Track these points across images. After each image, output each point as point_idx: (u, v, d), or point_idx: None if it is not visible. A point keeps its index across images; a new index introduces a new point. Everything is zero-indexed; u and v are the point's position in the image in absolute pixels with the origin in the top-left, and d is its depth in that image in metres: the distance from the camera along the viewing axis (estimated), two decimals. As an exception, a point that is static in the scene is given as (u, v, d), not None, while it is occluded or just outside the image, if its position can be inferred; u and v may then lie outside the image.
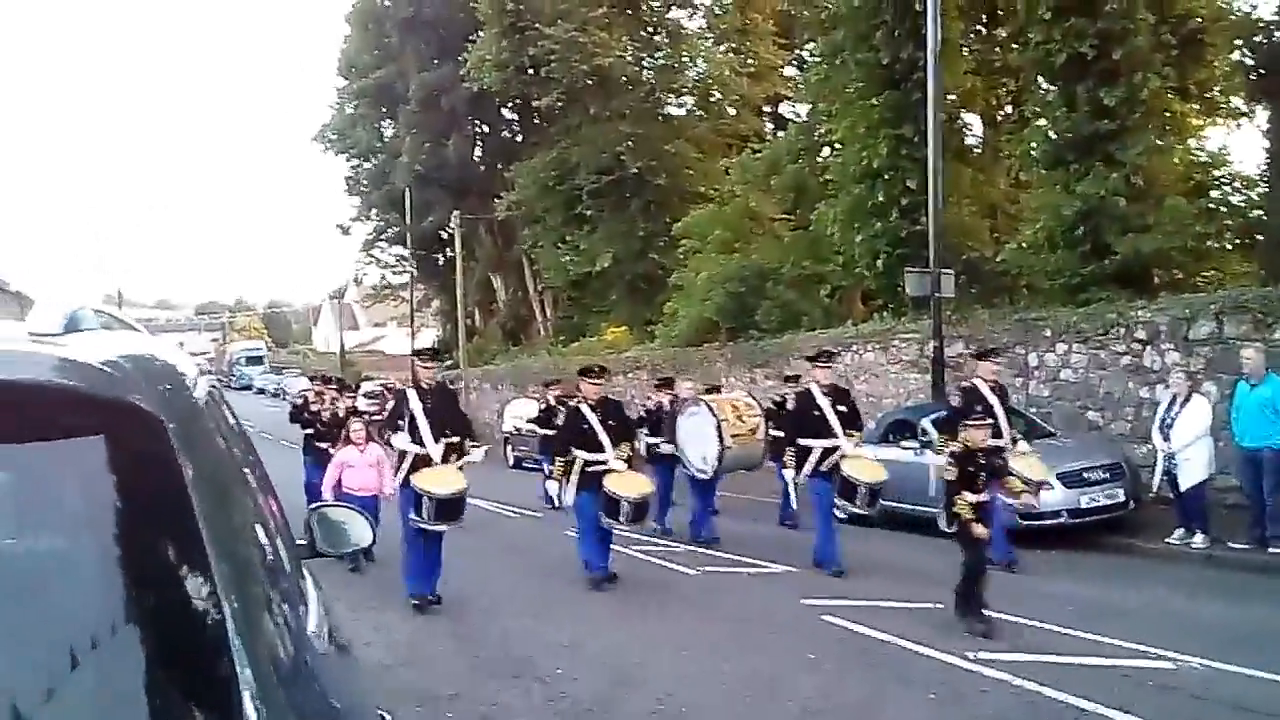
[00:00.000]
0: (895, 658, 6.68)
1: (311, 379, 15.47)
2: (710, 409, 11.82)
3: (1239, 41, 15.17)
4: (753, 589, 9.29)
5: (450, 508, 8.09)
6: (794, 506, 11.31)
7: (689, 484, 12.15)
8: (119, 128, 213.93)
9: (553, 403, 15.05)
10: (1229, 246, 16.09)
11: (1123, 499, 10.84)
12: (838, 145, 21.19)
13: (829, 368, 10.36)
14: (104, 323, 1.80)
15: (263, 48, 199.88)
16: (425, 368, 9.06)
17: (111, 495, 1.25)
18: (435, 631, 7.84)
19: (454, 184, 40.42)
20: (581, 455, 9.22)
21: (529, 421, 18.23)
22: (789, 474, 10.07)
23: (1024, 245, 16.56)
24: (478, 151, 43.57)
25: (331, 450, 11.44)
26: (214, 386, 2.03)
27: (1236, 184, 16.92)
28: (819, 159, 23.53)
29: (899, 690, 5.99)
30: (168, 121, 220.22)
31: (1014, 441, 9.77)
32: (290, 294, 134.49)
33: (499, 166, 39.72)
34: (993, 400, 9.84)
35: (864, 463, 9.84)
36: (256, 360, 64.64)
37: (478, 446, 9.06)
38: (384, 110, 44.47)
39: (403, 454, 8.46)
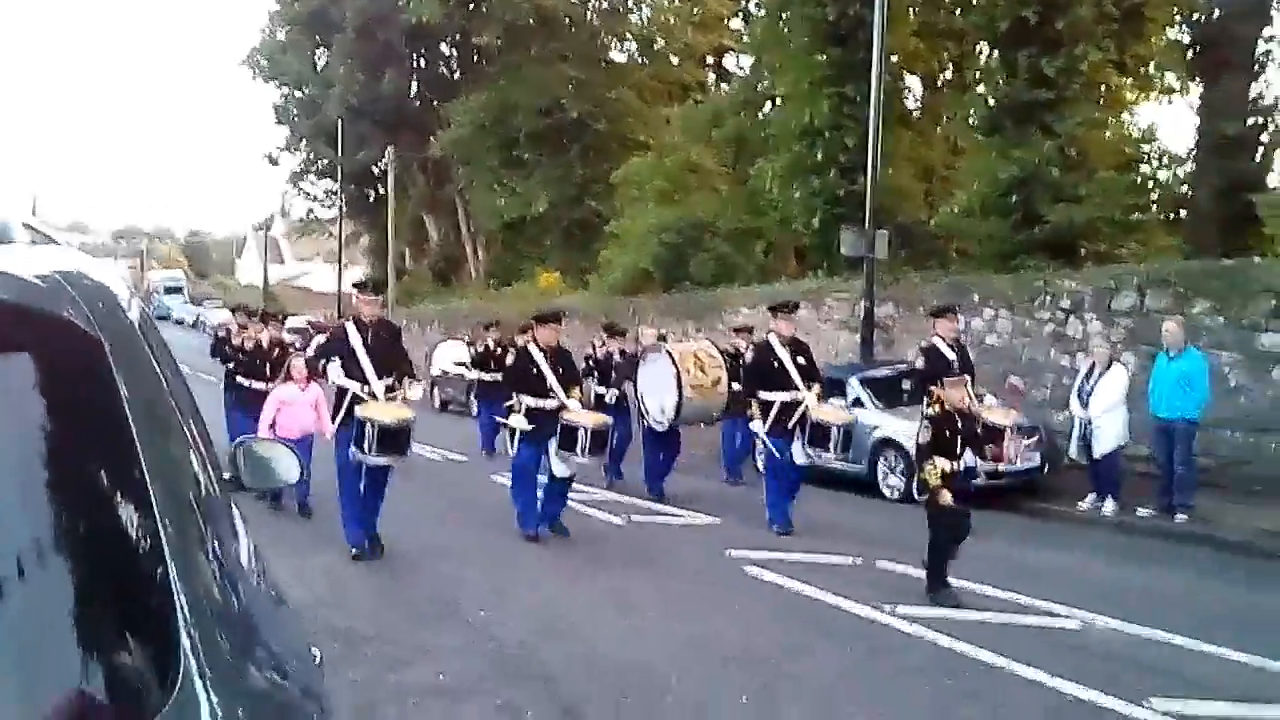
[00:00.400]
0: (818, 611, 6.79)
1: (234, 310, 14.56)
2: (671, 358, 11.35)
3: (1178, 18, 15.43)
4: (680, 540, 9.35)
5: (394, 438, 7.65)
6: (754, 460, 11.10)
7: (644, 435, 11.82)
8: (39, 37, 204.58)
9: (491, 346, 14.81)
10: (1155, 221, 16.49)
11: (1039, 463, 11.12)
12: (780, 101, 21.18)
13: (790, 319, 9.94)
14: (32, 238, 1.69)
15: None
16: (366, 301, 8.36)
17: (43, 415, 1.17)
18: (357, 573, 7.76)
19: (388, 119, 39.44)
20: (528, 401, 8.83)
21: (460, 365, 17.98)
22: (756, 425, 9.62)
23: (957, 210, 16.77)
24: (414, 87, 42.51)
25: (254, 385, 11.00)
26: (144, 309, 1.93)
27: (1165, 160, 17.33)
28: (761, 114, 23.48)
29: (821, 643, 6.10)
30: (88, 34, 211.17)
31: (979, 399, 9.52)
32: (213, 223, 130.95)
33: (435, 103, 38.86)
34: (952, 358, 9.62)
35: (829, 409, 9.66)
36: (176, 290, 62.87)
37: (416, 382, 8.61)
38: (318, 38, 43.01)
39: (341, 391, 8.07)
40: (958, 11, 18.02)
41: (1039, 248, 15.08)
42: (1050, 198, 15.06)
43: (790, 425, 9.33)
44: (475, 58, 37.55)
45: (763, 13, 24.08)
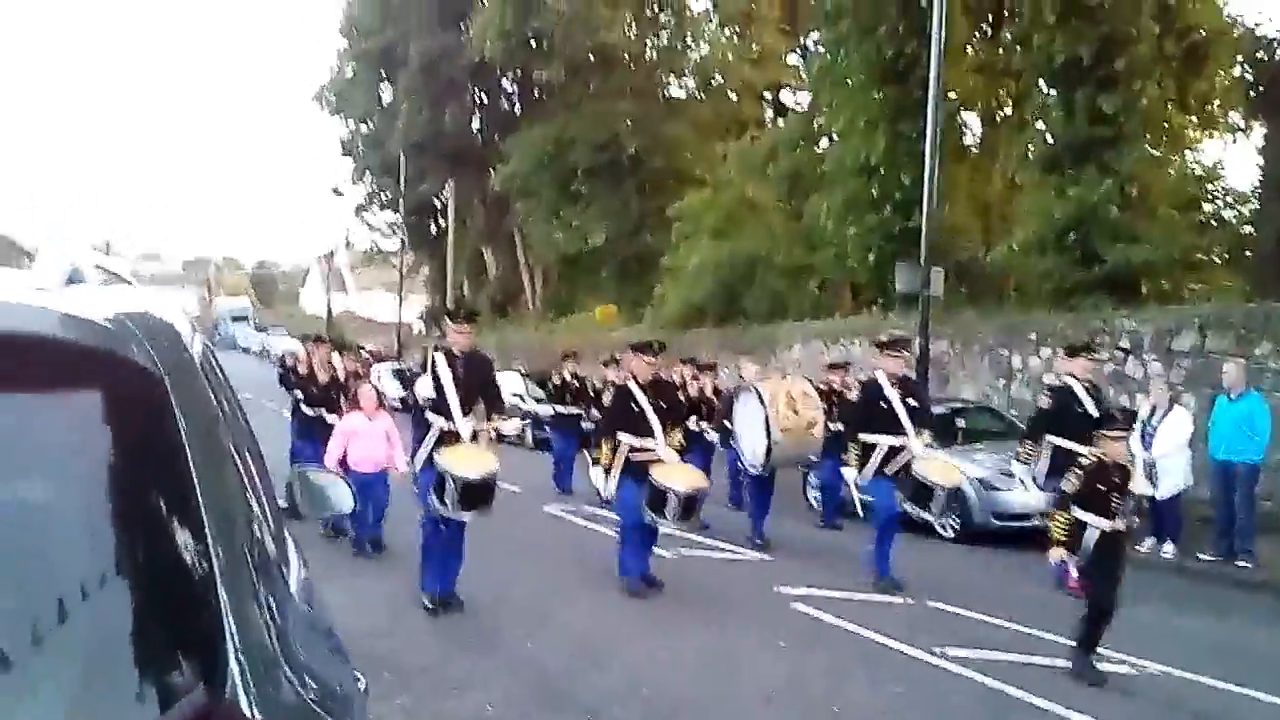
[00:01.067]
0: (863, 649, 6.76)
1: (303, 339, 14.15)
2: (760, 397, 10.44)
3: (1240, 57, 15.25)
4: (726, 574, 9.35)
5: (478, 493, 7.00)
6: (847, 499, 10.06)
7: (745, 479, 11.31)
8: (116, 76, 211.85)
9: (568, 378, 14.59)
10: (1217, 260, 16.21)
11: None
12: (836, 137, 21.22)
13: (899, 357, 9.06)
14: (103, 279, 1.82)
15: (264, 2, 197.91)
16: (459, 331, 7.56)
17: (108, 448, 1.28)
18: (408, 603, 7.88)
19: (450, 152, 40.17)
20: (627, 440, 8.20)
21: (516, 395, 18.07)
22: (849, 473, 8.94)
23: (1015, 247, 16.63)
24: (475, 121, 43.29)
25: (324, 417, 10.61)
26: (207, 344, 2.06)
27: (1229, 199, 17.05)
28: (817, 149, 23.53)
29: (865, 681, 6.07)
30: (164, 72, 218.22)
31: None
32: (279, 254, 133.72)
33: (496, 138, 39.49)
34: (1088, 403, 8.87)
35: (937, 464, 8.86)
36: (242, 318, 64.37)
37: (508, 420, 8.20)
38: (383, 74, 44.06)
39: (424, 424, 7.56)
40: (1016, 49, 17.94)
41: (1097, 286, 14.90)
42: (1109, 236, 14.89)
43: (892, 473, 8.66)
44: (535, 93, 38.13)
45: (820, 50, 24.21)
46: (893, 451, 8.65)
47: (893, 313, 17.77)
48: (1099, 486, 6.24)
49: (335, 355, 12.22)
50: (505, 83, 41.24)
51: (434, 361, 7.48)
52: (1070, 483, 6.38)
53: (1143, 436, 10.44)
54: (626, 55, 33.19)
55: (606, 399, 8.83)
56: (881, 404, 8.72)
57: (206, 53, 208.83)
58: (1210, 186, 17.07)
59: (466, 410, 7.37)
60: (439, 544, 7.40)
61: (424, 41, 39.00)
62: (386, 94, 45.05)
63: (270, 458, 2.61)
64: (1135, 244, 14.74)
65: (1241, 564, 9.50)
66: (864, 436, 8.81)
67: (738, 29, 34.00)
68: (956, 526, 11.35)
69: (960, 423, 12.53)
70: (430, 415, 7.36)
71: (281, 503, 2.68)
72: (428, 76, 39.26)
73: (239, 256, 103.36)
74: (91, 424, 1.27)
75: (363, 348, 13.13)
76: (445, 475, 6.95)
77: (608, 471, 8.30)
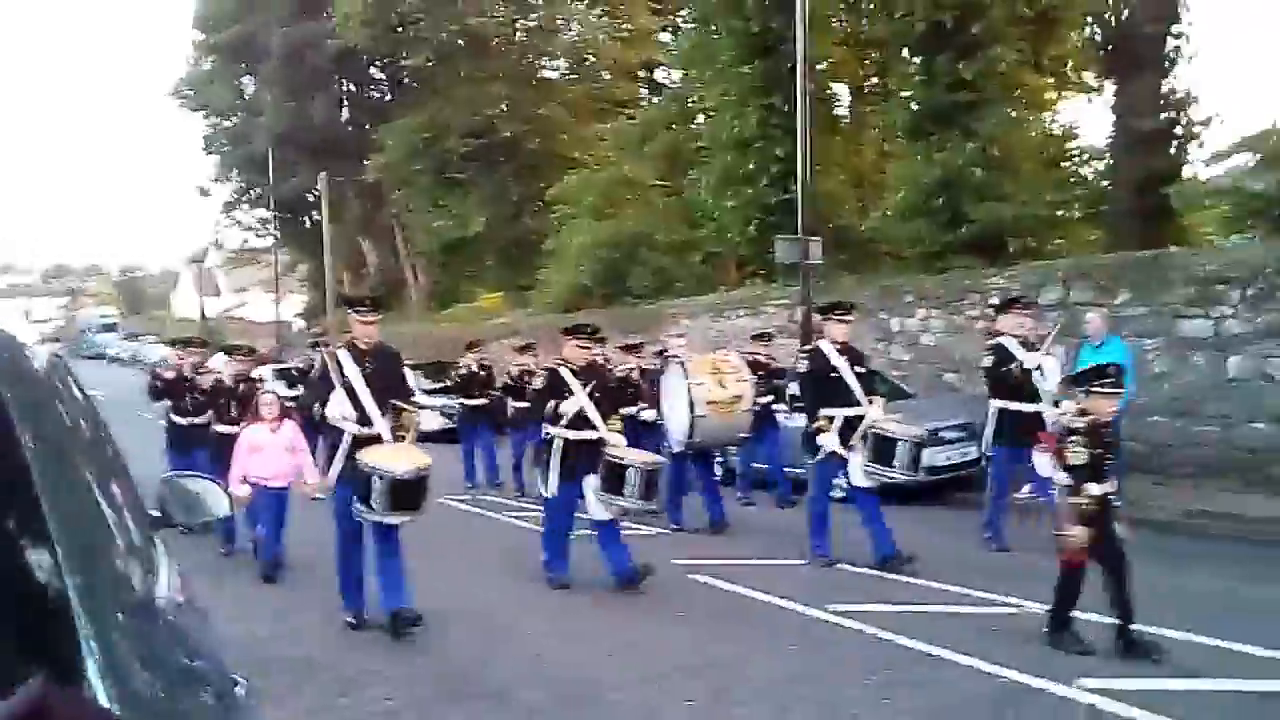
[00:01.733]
0: (759, 612, 6.91)
1: (172, 343, 12.93)
2: (683, 368, 9.88)
3: (1090, 18, 15.90)
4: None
5: (409, 491, 6.34)
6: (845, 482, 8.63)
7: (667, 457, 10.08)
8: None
9: (475, 368, 14.08)
10: (1077, 216, 16.93)
11: (974, 456, 11.35)
12: (710, 113, 21.41)
13: (846, 322, 8.52)
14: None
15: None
16: (365, 322, 6.82)
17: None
18: (303, 601, 7.71)
19: (319, 145, 39.13)
20: (563, 434, 7.68)
21: (424, 393, 17.46)
22: (829, 440, 8.21)
23: (887, 213, 17.08)
24: (345, 111, 42.28)
25: (213, 426, 9.83)
26: (56, 355, 1.96)
27: (1085, 156, 17.81)
28: (691, 126, 23.71)
29: (764, 643, 6.20)
30: (10, 72, 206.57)
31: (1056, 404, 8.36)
32: (146, 258, 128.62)
33: (367, 127, 38.65)
34: (1027, 359, 8.61)
35: (894, 422, 8.43)
36: (110, 328, 61.91)
37: (428, 411, 7.92)
38: (244, 66, 42.63)
39: (335, 434, 6.69)
40: (879, 18, 18.36)
41: (967, 247, 15.42)
42: (975, 198, 15.40)
43: (850, 443, 8.19)
44: (405, 80, 37.44)
45: (689, 26, 24.36)
46: (849, 423, 8.22)
47: (775, 284, 18.06)
48: (1095, 450, 5.77)
49: (220, 357, 11.52)
50: (373, 70, 40.37)
51: (338, 361, 6.68)
52: (1078, 455, 5.74)
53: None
54: (497, 39, 32.82)
55: (537, 385, 8.01)
56: (831, 374, 8.29)
57: (51, 50, 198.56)
58: (1068, 145, 17.81)
59: (383, 409, 6.69)
60: (358, 558, 6.76)
61: (285, 31, 37.84)
62: (248, 87, 43.63)
63: (150, 467, 2.51)
64: (1000, 203, 15.29)
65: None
66: (823, 410, 8.28)
67: (608, 8, 33.95)
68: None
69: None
70: (342, 421, 6.53)
71: (154, 512, 2.58)
72: (291, 67, 38.16)
73: (102, 263, 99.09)
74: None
75: (251, 349, 12.05)
76: (371, 474, 6.26)
77: (545, 467, 7.78)
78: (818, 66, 18.45)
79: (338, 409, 6.50)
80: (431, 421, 6.67)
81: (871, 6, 19.29)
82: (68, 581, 1.22)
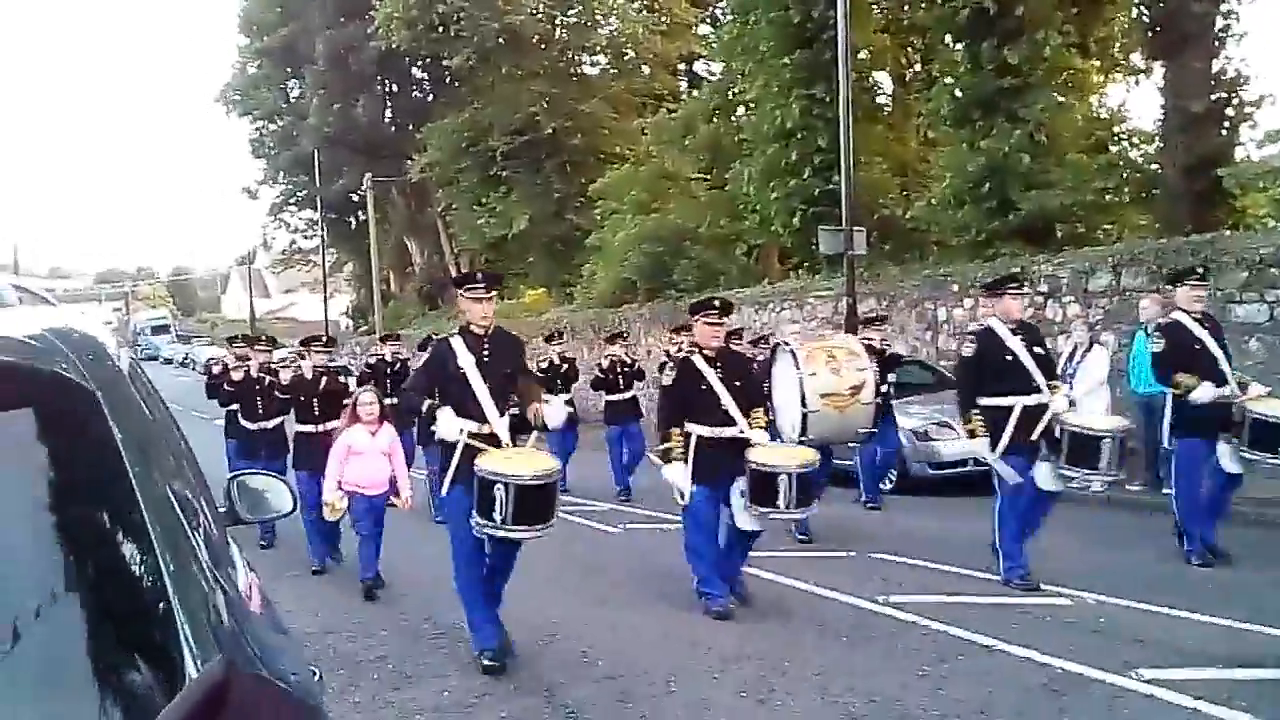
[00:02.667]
0: (809, 605, 6.92)
1: (232, 340, 12.18)
2: (794, 357, 8.64)
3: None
4: (669, 545, 9.43)
5: (537, 500, 5.44)
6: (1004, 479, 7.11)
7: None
8: (5, 86, 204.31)
9: (556, 361, 12.91)
10: (1127, 200, 16.69)
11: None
12: (751, 104, 21.38)
13: (1019, 296, 7.50)
14: (20, 299, 1.81)
15: (160, 3, 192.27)
16: (477, 299, 5.86)
17: (48, 464, 1.29)
18: (356, 599, 7.85)
19: (364, 145, 39.63)
20: (699, 431, 6.71)
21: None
22: (979, 446, 7.12)
23: (933, 202, 16.95)
24: (388, 112, 42.74)
25: (305, 429, 9.06)
26: (133, 357, 2.05)
27: (1134, 139, 17.55)
28: (733, 119, 23.67)
29: (813, 635, 6.21)
30: (59, 80, 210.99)
31: (1243, 387, 7.57)
32: (196, 260, 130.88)
33: (410, 127, 39.02)
34: (1203, 336, 7.57)
35: (1093, 415, 7.62)
36: (162, 329, 63.00)
37: (556, 398, 6.95)
38: (289, 70, 43.26)
39: (440, 436, 5.75)
40: (921, 6, 18.22)
41: (1015, 234, 15.27)
42: (1022, 184, 15.25)
43: (1034, 438, 7.00)
44: (447, 79, 37.71)
45: (729, 18, 24.30)
46: (1029, 413, 7.01)
47: (819, 275, 18.01)
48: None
49: (281, 352, 10.95)
50: (415, 71, 40.73)
51: (450, 348, 5.82)
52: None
53: (1064, 377, 10.76)
54: (537, 36, 32.93)
55: (666, 378, 7.07)
56: (1006, 357, 7.08)
57: (98, 59, 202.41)
58: (1116, 129, 17.59)
59: (502, 408, 5.78)
60: (480, 580, 5.90)
61: (329, 34, 38.33)
62: (293, 90, 44.25)
63: (210, 469, 2.60)
64: (1048, 190, 15.12)
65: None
66: (988, 401, 7.07)
67: (647, 2, 33.94)
68: (893, 479, 11.64)
69: (891, 376, 12.78)
70: (453, 418, 5.61)
71: (221, 509, 2.67)
72: (335, 70, 38.64)
73: (153, 266, 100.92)
74: (28, 440, 1.28)
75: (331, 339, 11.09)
76: (493, 482, 5.37)
77: (684, 460, 6.68)
78: (859, 55, 18.37)
79: (448, 418, 5.59)
80: (558, 415, 5.87)
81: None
82: (164, 572, 1.29)
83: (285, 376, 9.45)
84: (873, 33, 19.87)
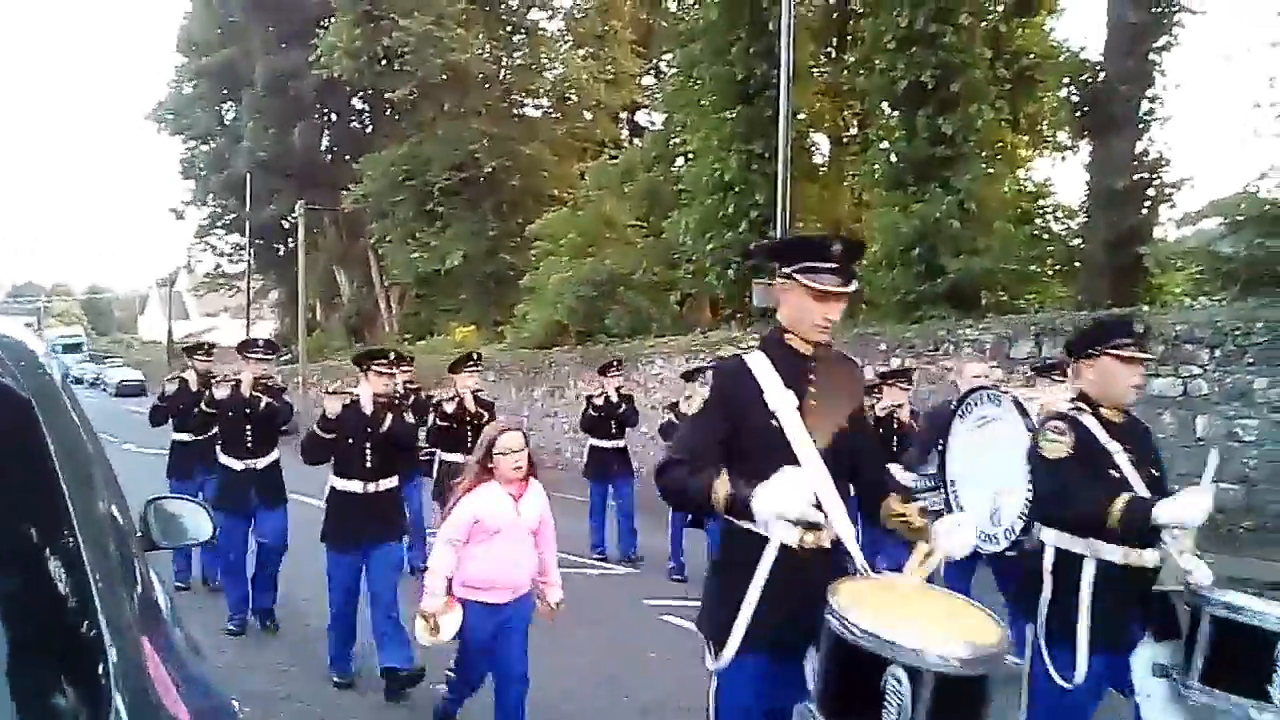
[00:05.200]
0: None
1: (192, 351, 9.56)
2: (1021, 412, 4.89)
3: (1067, 79, 16.28)
4: (597, 590, 9.36)
5: (968, 701, 2.47)
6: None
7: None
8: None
9: (613, 399, 10.85)
10: (1050, 272, 17.22)
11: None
12: (691, 156, 21.65)
13: (1137, 370, 4.05)
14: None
15: (95, 16, 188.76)
16: (835, 292, 3.10)
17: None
18: (272, 643, 7.59)
19: (298, 172, 39.15)
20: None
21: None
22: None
23: (864, 263, 17.27)
24: (325, 140, 42.34)
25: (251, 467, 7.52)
26: (65, 367, 1.96)
27: (1058, 213, 18.16)
28: (673, 168, 23.94)
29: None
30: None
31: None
32: (114, 279, 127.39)
33: (347, 158, 38.72)
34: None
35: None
36: (74, 348, 61.19)
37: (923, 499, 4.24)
38: (225, 92, 42.69)
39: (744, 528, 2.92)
40: (860, 73, 18.70)
41: (942, 298, 15.62)
42: (951, 250, 15.64)
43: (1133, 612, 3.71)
44: (387, 112, 37.58)
45: (673, 71, 24.68)
46: (1131, 576, 3.68)
47: (751, 327, 18.18)
48: None
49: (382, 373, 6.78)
50: (356, 101, 40.51)
51: (745, 366, 3.14)
52: None
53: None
54: (480, 74, 33.04)
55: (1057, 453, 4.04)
56: (1111, 471, 3.77)
57: (23, 65, 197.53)
58: (1041, 202, 18.18)
59: (840, 479, 3.05)
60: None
61: (270, 59, 37.99)
62: (229, 113, 43.66)
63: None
64: (975, 257, 15.53)
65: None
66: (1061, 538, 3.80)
67: (592, 50, 34.33)
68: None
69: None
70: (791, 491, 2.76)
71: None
72: (274, 95, 38.25)
73: (69, 283, 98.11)
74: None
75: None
76: (882, 659, 2.44)
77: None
78: (798, 116, 18.75)
79: (788, 490, 2.73)
80: (963, 535, 3.05)
81: (853, 60, 19.64)
82: (92, 590, 1.21)
83: (221, 392, 7.77)
84: (812, 95, 20.34)
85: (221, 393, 7.74)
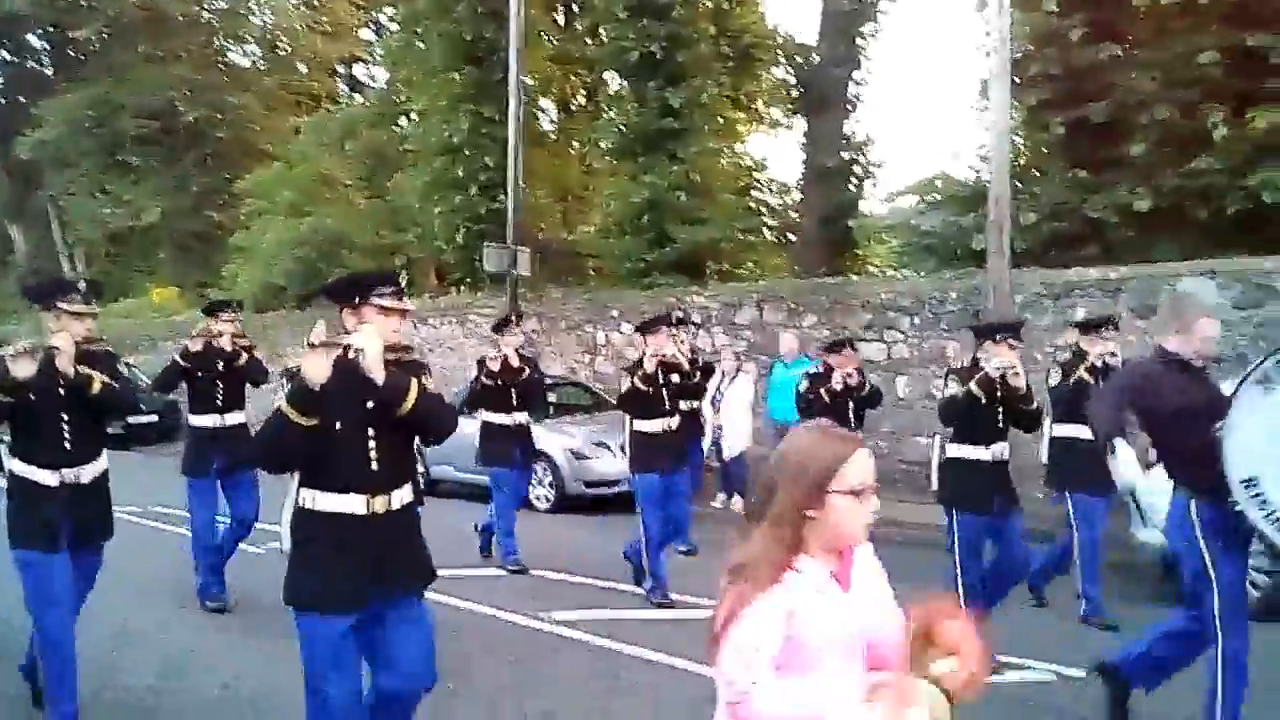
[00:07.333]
0: (475, 624, 6.71)
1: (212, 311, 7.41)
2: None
3: (784, 60, 17.10)
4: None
5: None
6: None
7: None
8: None
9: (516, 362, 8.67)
10: (769, 242, 18.13)
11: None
12: (418, 115, 20.95)
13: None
14: None
15: None
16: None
17: None
18: None
19: (-37, 115, 34.51)
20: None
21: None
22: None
23: (596, 230, 17.44)
24: (-3, 81, 37.55)
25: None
26: None
27: (773, 188, 19.12)
28: (398, 127, 23.08)
29: (480, 655, 6.01)
30: None
31: None
32: None
33: (23, 100, 34.50)
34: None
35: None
36: None
37: None
38: None
39: None
40: (589, 42, 18.77)
41: (670, 266, 16.04)
42: (678, 220, 16.07)
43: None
44: (72, 53, 33.79)
45: (396, 27, 23.73)
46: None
47: (481, 292, 17.91)
48: None
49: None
50: (33, 39, 36.16)
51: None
52: None
53: (713, 402, 11.39)
54: (181, 16, 30.36)
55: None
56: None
57: None
58: (758, 176, 19.04)
59: None
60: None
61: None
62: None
63: None
64: (700, 226, 16.04)
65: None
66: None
67: (306, -1, 32.44)
68: (551, 498, 11.72)
69: (552, 396, 12.92)
70: None
71: None
72: (-68, 25, 33.40)
73: None
74: None
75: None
76: None
77: None
78: (528, 81, 18.57)
79: None
80: None
81: (583, 29, 19.69)
82: None
83: (195, 345, 7.01)
84: (543, 60, 20.18)
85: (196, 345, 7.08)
